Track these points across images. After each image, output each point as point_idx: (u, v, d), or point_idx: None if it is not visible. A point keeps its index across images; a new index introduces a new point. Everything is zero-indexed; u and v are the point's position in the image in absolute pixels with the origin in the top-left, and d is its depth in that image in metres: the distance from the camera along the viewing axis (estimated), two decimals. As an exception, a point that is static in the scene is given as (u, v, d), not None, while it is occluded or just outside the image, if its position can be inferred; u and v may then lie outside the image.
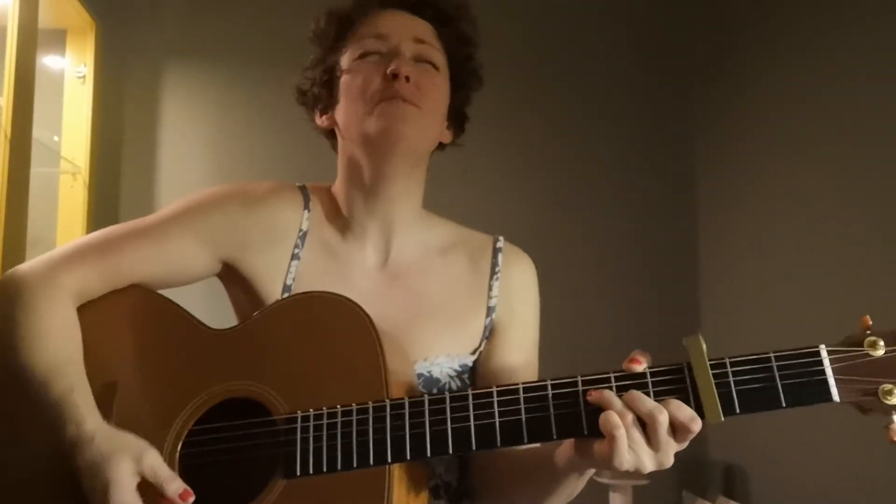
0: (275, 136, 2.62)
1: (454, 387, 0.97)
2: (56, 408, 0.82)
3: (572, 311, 2.48)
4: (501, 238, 1.08)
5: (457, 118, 1.06)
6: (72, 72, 2.46)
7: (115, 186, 2.66)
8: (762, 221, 2.32)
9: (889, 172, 1.78)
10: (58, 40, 2.45)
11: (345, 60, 1.00)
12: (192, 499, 0.78)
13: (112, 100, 2.62)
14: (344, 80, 0.99)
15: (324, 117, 1.04)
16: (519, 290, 1.05)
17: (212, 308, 1.03)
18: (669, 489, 2.54)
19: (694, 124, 2.74)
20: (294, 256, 0.99)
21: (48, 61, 2.45)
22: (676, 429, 0.74)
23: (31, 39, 1.97)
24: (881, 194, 1.80)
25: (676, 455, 0.75)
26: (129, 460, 0.77)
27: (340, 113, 1.00)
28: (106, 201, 2.57)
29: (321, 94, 1.03)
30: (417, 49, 0.98)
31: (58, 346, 0.87)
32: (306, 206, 1.02)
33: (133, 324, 0.92)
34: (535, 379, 1.00)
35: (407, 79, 0.94)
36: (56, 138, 2.44)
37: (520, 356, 1.02)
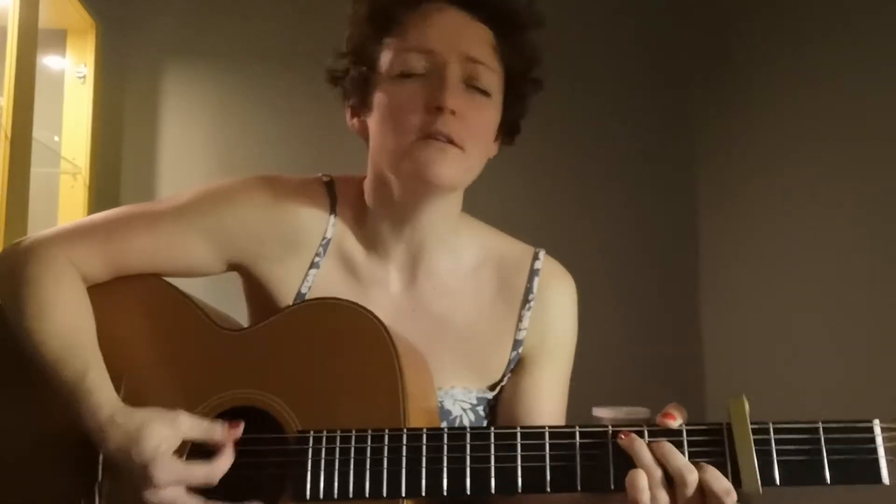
0: (275, 135, 2.62)
1: (467, 421, 0.90)
2: (71, 390, 0.78)
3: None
4: (542, 254, 0.97)
5: (509, 131, 0.95)
6: (72, 72, 2.45)
7: (115, 186, 2.65)
8: (763, 220, 2.32)
9: (894, 170, 1.77)
10: (58, 40, 2.45)
11: (383, 67, 0.87)
12: (242, 425, 0.77)
13: (112, 100, 2.61)
14: (379, 97, 0.87)
15: (355, 120, 0.93)
16: (554, 321, 0.94)
17: (227, 298, 1.01)
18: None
19: (695, 122, 2.73)
20: (313, 265, 0.92)
21: (48, 61, 2.44)
22: (707, 498, 0.68)
23: (31, 39, 1.97)
24: (887, 193, 1.79)
25: None
26: (164, 427, 0.74)
27: (373, 130, 0.89)
28: (106, 201, 2.56)
29: (352, 94, 0.91)
30: (468, 70, 0.84)
31: (68, 319, 0.82)
32: (333, 211, 0.93)
33: (144, 316, 0.88)
34: (562, 416, 0.95)
35: (452, 112, 0.82)
36: (56, 138, 2.44)
37: (547, 393, 0.94)
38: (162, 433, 0.74)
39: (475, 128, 0.85)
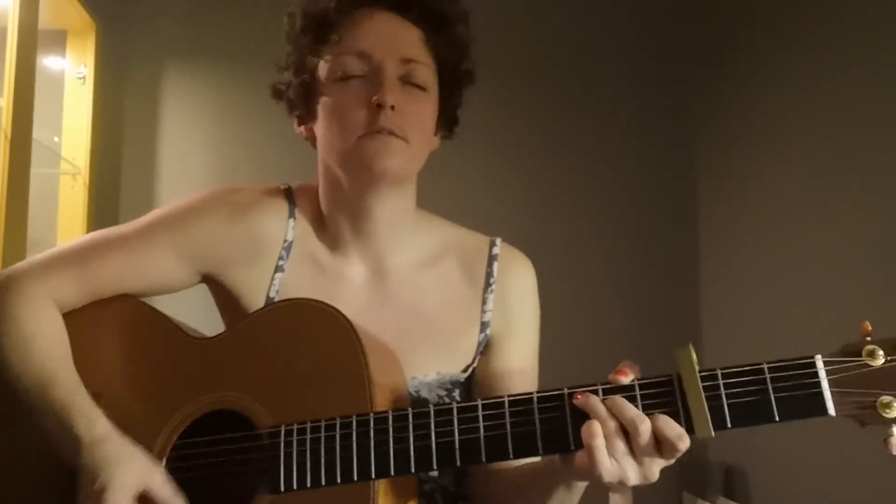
0: (275, 135, 2.61)
1: None
2: (61, 410, 0.81)
3: (569, 310, 2.47)
4: (499, 241, 1.02)
5: (447, 122, 0.99)
6: (72, 72, 2.45)
7: (115, 187, 2.65)
8: (763, 218, 2.32)
9: (893, 169, 1.77)
10: (58, 41, 2.45)
11: (323, 74, 0.92)
12: None
13: (112, 100, 2.61)
14: (323, 102, 0.92)
15: (302, 128, 0.98)
16: (516, 300, 0.99)
17: (209, 310, 1.02)
18: (670, 490, 2.53)
19: (695, 118, 2.73)
20: (278, 269, 0.95)
21: (48, 62, 2.44)
22: (663, 445, 0.71)
23: (31, 40, 1.97)
24: (887, 190, 1.79)
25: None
26: (138, 472, 0.77)
27: (320, 133, 0.94)
28: (106, 202, 2.57)
29: (297, 104, 0.96)
30: (403, 69, 0.90)
31: (49, 350, 0.86)
32: (291, 215, 0.97)
33: (117, 334, 0.91)
34: (535, 389, 0.99)
35: (392, 107, 0.87)
36: (56, 139, 2.44)
37: (517, 368, 0.98)
38: (129, 475, 0.77)
39: (415, 120, 0.90)
